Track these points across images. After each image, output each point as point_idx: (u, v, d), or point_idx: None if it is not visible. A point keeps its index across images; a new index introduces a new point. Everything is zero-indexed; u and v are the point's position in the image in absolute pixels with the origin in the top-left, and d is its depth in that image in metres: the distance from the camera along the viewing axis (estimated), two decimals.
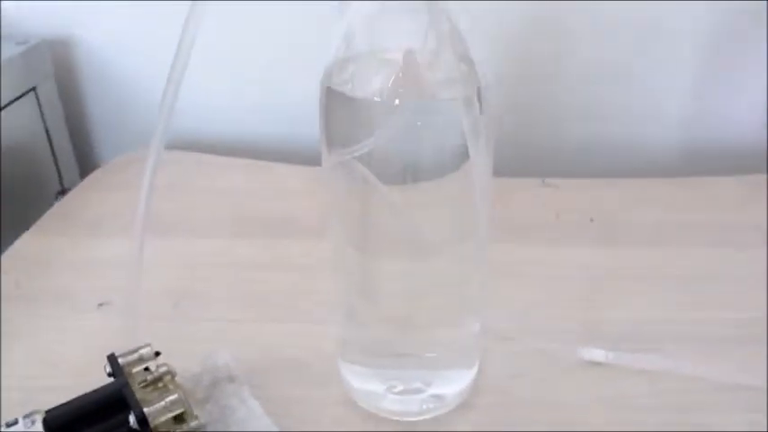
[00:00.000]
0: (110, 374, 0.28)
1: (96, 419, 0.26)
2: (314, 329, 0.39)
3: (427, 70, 0.29)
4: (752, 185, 0.51)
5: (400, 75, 0.28)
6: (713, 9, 0.53)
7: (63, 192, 0.58)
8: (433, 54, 0.29)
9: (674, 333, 0.38)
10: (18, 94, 0.55)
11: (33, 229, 0.49)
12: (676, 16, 0.54)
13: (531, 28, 0.55)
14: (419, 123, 0.29)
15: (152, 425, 0.26)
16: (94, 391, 0.27)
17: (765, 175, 0.51)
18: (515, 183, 0.53)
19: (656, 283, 0.42)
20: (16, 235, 0.48)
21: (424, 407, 0.34)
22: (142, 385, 0.28)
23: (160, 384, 0.29)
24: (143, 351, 0.29)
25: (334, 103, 0.29)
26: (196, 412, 0.29)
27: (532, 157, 0.59)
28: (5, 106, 0.53)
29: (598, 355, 0.37)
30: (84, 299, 0.42)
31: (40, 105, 0.58)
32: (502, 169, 0.52)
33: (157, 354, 0.30)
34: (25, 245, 0.47)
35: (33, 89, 0.57)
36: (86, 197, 0.54)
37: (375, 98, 0.28)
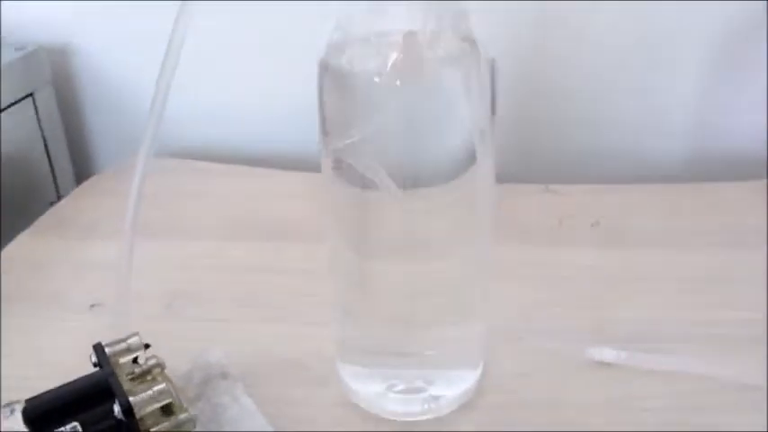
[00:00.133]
0: (95, 365, 0.27)
1: (79, 409, 0.25)
2: (311, 331, 0.38)
3: (428, 51, 0.28)
4: (753, 190, 0.50)
5: (401, 56, 0.28)
6: (715, 16, 0.53)
7: (59, 199, 0.57)
8: (434, 35, 0.28)
9: (683, 334, 0.37)
10: (15, 100, 0.54)
11: (28, 231, 0.49)
12: (679, 24, 0.53)
13: (534, 35, 0.54)
14: (420, 106, 0.28)
15: (138, 415, 0.25)
16: (78, 380, 0.26)
17: (766, 181, 0.51)
18: (518, 188, 0.52)
19: (662, 285, 0.41)
20: (10, 241, 0.47)
21: (426, 407, 0.32)
22: (130, 377, 0.27)
23: (149, 377, 0.28)
24: (131, 341, 0.28)
25: (332, 84, 0.29)
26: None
27: (535, 165, 0.58)
28: (1, 111, 0.52)
29: (608, 354, 0.35)
30: (76, 300, 0.41)
31: (37, 112, 0.57)
32: (505, 176, 0.52)
33: (147, 346, 0.29)
34: (19, 247, 0.47)
35: (31, 95, 0.56)
36: (81, 202, 0.53)
37: (375, 78, 0.28)
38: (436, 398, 0.33)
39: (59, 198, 0.57)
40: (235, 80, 0.58)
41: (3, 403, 0.25)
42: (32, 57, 0.56)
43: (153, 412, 0.26)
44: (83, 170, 0.62)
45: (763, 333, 0.36)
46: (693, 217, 0.49)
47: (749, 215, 0.47)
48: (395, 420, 0.32)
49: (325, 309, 0.34)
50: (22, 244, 0.47)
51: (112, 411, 0.24)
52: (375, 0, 0.28)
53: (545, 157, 0.58)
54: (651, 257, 0.44)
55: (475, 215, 0.32)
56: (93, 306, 0.40)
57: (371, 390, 0.33)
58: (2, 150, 0.51)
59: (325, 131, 0.30)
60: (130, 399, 0.24)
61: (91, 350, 0.28)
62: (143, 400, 0.25)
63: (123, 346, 0.27)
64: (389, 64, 0.27)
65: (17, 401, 0.25)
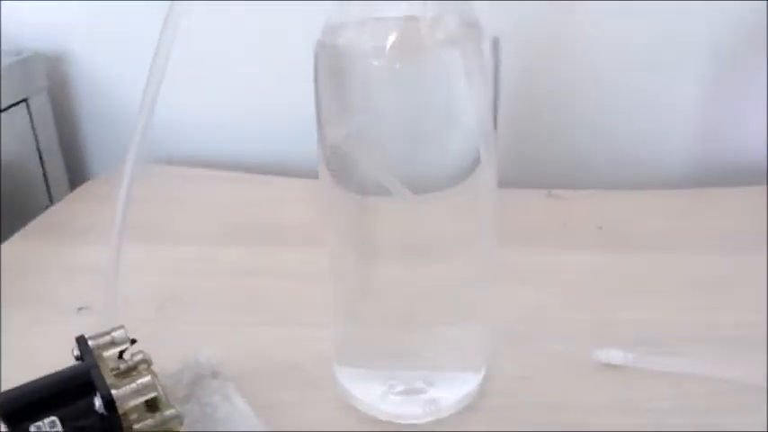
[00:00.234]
0: (77, 358, 0.25)
1: (59, 403, 0.23)
2: (306, 333, 0.37)
3: (429, 34, 0.27)
4: (755, 196, 0.50)
5: (400, 37, 0.27)
6: (718, 23, 0.52)
7: (52, 204, 0.56)
8: (435, 19, 0.27)
9: (689, 336, 0.36)
10: (9, 105, 0.54)
11: (18, 235, 0.48)
12: (682, 30, 0.53)
13: (536, 40, 0.54)
14: (420, 91, 0.27)
15: (121, 410, 0.23)
16: (58, 373, 0.24)
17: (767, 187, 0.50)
18: (520, 193, 0.51)
19: (667, 288, 0.41)
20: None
21: (426, 409, 0.31)
22: (114, 373, 0.26)
23: (134, 374, 0.26)
24: (116, 334, 0.26)
25: (329, 67, 0.28)
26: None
27: (536, 171, 0.57)
28: None
29: (616, 356, 0.34)
30: (65, 303, 0.40)
31: (31, 118, 0.57)
32: (506, 181, 0.51)
33: (133, 341, 0.27)
34: (8, 250, 0.46)
35: (25, 100, 0.56)
36: (74, 207, 0.53)
37: (373, 61, 0.27)
38: (436, 400, 0.31)
39: (52, 203, 0.56)
40: (232, 87, 0.58)
41: None
42: (28, 63, 0.56)
43: (137, 408, 0.24)
44: (77, 176, 0.61)
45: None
46: (696, 221, 0.48)
47: (751, 220, 0.47)
48: (394, 423, 0.31)
49: (321, 311, 0.33)
50: (11, 247, 0.46)
51: (93, 406, 0.23)
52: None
53: (546, 163, 0.57)
54: (655, 261, 0.43)
55: (477, 217, 0.31)
56: (80, 309, 0.39)
57: (370, 391, 0.32)
58: None
59: (321, 123, 0.29)
60: (113, 392, 0.23)
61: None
62: (126, 393, 0.23)
63: (107, 339, 0.26)
64: (388, 45, 0.26)
65: None
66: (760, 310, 0.37)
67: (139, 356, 0.27)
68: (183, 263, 0.45)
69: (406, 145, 0.28)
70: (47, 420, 0.23)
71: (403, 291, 0.30)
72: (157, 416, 0.24)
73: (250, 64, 0.56)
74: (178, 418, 0.25)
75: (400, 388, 0.31)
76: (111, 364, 0.26)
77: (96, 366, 0.24)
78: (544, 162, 0.57)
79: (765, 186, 0.50)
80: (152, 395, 0.24)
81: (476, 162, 0.29)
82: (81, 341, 0.26)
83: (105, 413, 0.23)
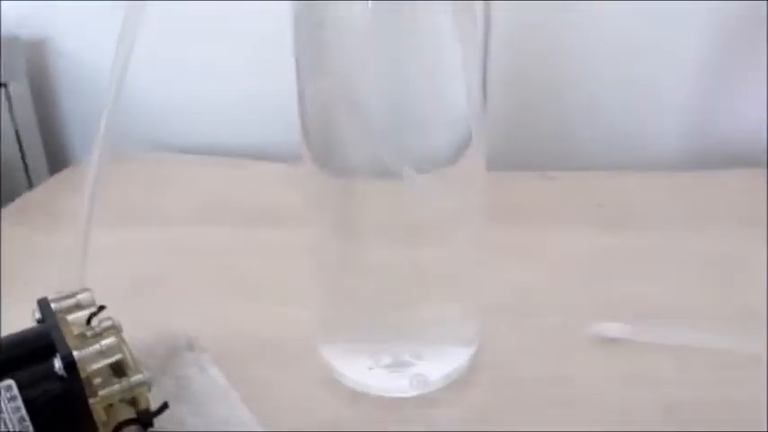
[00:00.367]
0: (39, 321, 0.24)
1: (15, 367, 0.21)
2: (287, 311, 0.35)
3: None
4: (753, 178, 0.49)
5: None
6: (716, 5, 0.51)
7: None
8: None
9: (690, 310, 0.35)
10: None
11: None
12: (680, 12, 0.52)
13: (531, 23, 0.53)
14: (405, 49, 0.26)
15: (84, 373, 0.21)
16: (15, 334, 0.22)
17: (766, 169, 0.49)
18: (514, 175, 0.50)
19: (669, 266, 0.39)
20: None
21: (414, 382, 0.29)
22: (79, 340, 0.24)
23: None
24: (81, 296, 0.24)
25: (309, 21, 0.26)
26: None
27: (531, 154, 0.56)
28: None
29: (613, 329, 0.33)
30: (36, 286, 0.38)
31: (10, 104, 0.55)
32: (500, 165, 0.49)
33: (101, 308, 0.26)
34: None
35: (4, 86, 0.54)
36: (52, 193, 0.51)
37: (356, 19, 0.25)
38: (424, 373, 0.29)
39: (31, 189, 0.54)
40: (213, 73, 0.57)
41: None
42: (7, 48, 0.54)
43: (101, 372, 0.22)
44: (57, 162, 0.59)
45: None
46: (695, 201, 0.47)
47: (750, 201, 0.46)
48: (380, 397, 0.29)
49: (303, 289, 0.31)
50: None
51: (53, 368, 0.21)
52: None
53: (541, 146, 0.56)
54: (654, 239, 0.42)
55: (466, 196, 0.29)
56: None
57: (355, 366, 0.30)
58: None
59: (302, 73, 0.28)
60: (74, 353, 0.21)
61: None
62: (88, 354, 0.22)
63: (72, 301, 0.24)
64: None
65: None
66: (760, 285, 0.36)
67: (108, 323, 0.25)
68: (163, 244, 0.43)
69: (393, 117, 0.27)
70: (2, 384, 0.21)
71: (390, 269, 0.29)
72: (124, 381, 0.23)
73: (231, 49, 0.55)
74: (146, 383, 0.23)
75: (387, 361, 0.30)
76: (77, 330, 0.24)
77: (57, 327, 0.22)
78: (539, 145, 0.56)
79: (765, 168, 0.49)
80: (117, 357, 0.22)
81: (467, 140, 0.28)
82: (43, 303, 0.24)
83: (66, 375, 0.21)
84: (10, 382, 0.21)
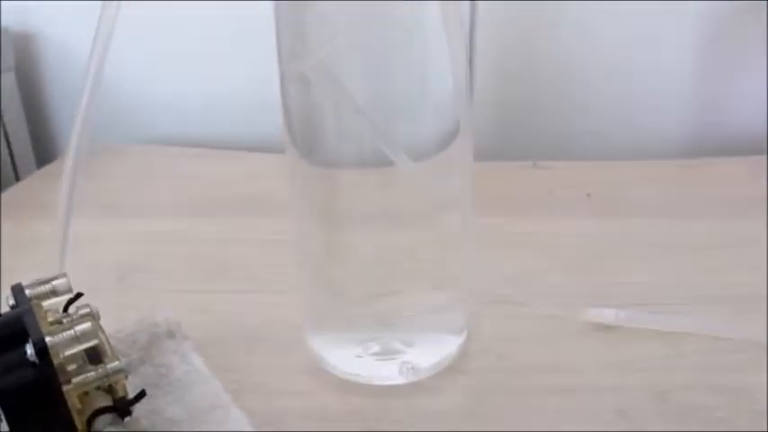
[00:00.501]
0: (12, 308, 0.23)
1: None
2: (274, 300, 0.35)
3: None
4: (752, 165, 0.48)
5: None
6: None
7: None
8: None
9: (683, 296, 0.34)
10: None
11: None
12: (678, 2, 0.51)
13: (526, 14, 0.52)
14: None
15: (57, 359, 0.21)
16: None
17: (765, 156, 0.49)
18: (504, 165, 0.50)
19: (660, 252, 0.39)
20: None
21: (403, 369, 0.28)
22: (54, 327, 0.23)
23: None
24: (57, 282, 0.24)
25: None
26: (129, 377, 0.24)
27: (525, 146, 0.55)
28: None
29: (607, 315, 0.32)
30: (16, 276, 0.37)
31: None
32: (491, 155, 0.49)
33: (78, 295, 0.25)
34: None
35: None
36: (38, 185, 0.50)
37: None
38: (414, 361, 0.29)
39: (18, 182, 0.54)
40: (201, 66, 0.56)
41: None
42: None
43: (76, 358, 0.22)
44: (45, 155, 0.59)
45: (764, 293, 0.33)
46: (691, 189, 0.46)
47: (748, 188, 0.45)
48: (369, 385, 0.29)
49: (290, 278, 0.31)
50: None
51: (25, 354, 0.21)
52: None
53: (535, 136, 0.56)
54: (648, 227, 0.41)
55: (455, 184, 0.29)
56: None
57: (343, 354, 0.30)
58: None
59: (283, 54, 0.27)
60: (47, 338, 0.21)
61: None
62: (62, 340, 0.21)
63: (47, 287, 0.23)
64: None
65: None
66: (758, 271, 0.35)
67: (85, 310, 0.24)
68: (150, 235, 0.42)
69: (379, 104, 0.26)
70: None
71: (377, 258, 0.28)
72: (100, 368, 0.22)
73: (217, 40, 0.54)
74: (123, 371, 0.22)
75: (376, 349, 0.29)
76: (52, 318, 0.23)
77: (30, 311, 0.21)
78: (532, 135, 0.55)
79: (765, 156, 0.49)
80: (92, 343, 0.21)
81: (454, 128, 0.27)
82: (16, 289, 0.23)
83: (38, 361, 0.20)
84: None
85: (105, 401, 0.22)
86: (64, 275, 0.24)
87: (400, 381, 0.28)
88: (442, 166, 0.27)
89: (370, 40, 0.25)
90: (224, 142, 0.56)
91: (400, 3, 0.25)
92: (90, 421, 0.21)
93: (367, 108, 0.26)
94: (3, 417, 0.20)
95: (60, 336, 0.21)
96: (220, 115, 0.57)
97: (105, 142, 0.54)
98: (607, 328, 0.32)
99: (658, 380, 0.29)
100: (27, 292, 0.23)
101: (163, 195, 0.48)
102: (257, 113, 0.52)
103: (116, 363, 0.22)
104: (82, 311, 0.24)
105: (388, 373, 0.29)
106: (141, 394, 0.22)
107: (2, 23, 0.54)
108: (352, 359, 0.29)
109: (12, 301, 0.23)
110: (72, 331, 0.21)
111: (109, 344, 0.23)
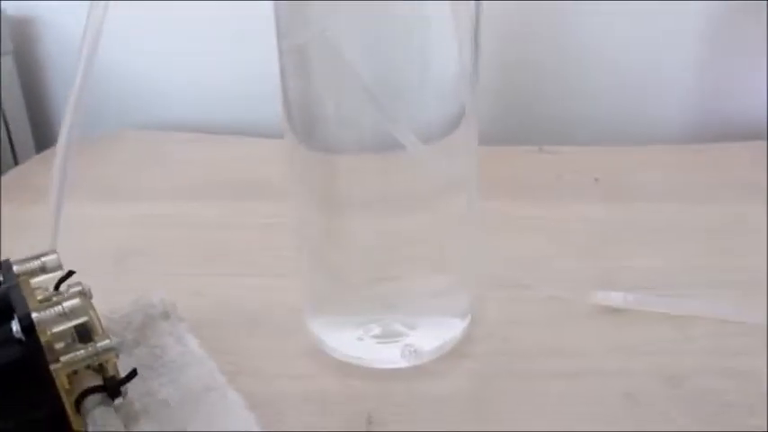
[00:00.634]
0: None
1: None
2: (276, 283, 0.34)
3: None
4: (754, 150, 0.47)
5: None
6: None
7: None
8: None
9: (692, 281, 0.33)
10: None
11: None
12: None
13: (531, 1, 0.51)
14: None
15: (44, 337, 0.20)
16: None
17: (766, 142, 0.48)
18: (510, 150, 0.49)
19: (669, 237, 0.38)
20: None
21: (405, 352, 0.28)
22: (46, 305, 0.22)
23: None
24: (46, 258, 0.23)
25: None
26: (123, 359, 0.23)
27: (531, 131, 0.54)
28: None
29: (615, 298, 0.31)
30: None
31: None
32: (497, 139, 0.48)
33: (70, 273, 0.24)
34: None
35: None
36: (36, 170, 0.50)
37: None
38: (417, 344, 0.28)
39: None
40: (202, 52, 0.55)
41: None
42: None
43: (64, 336, 0.21)
44: (44, 139, 0.58)
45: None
46: (697, 173, 0.45)
47: (753, 173, 0.44)
48: (371, 368, 0.28)
49: (288, 262, 0.30)
50: None
51: (11, 331, 0.20)
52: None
53: (540, 121, 0.55)
54: (654, 211, 0.41)
55: (458, 168, 0.28)
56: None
57: (344, 337, 0.29)
58: None
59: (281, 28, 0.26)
60: (34, 314, 0.20)
61: None
62: (49, 316, 0.20)
63: (37, 263, 0.23)
64: None
65: None
66: (765, 255, 0.34)
67: (77, 288, 0.23)
68: (150, 218, 0.42)
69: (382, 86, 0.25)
70: None
71: (379, 241, 0.28)
72: (90, 347, 0.21)
73: (218, 26, 0.54)
74: (114, 349, 0.21)
75: (377, 331, 0.28)
76: (41, 296, 0.23)
77: (17, 287, 0.21)
78: (537, 121, 0.55)
79: (765, 141, 0.48)
80: (81, 320, 0.21)
81: (459, 111, 0.26)
82: (4, 266, 0.22)
83: (24, 338, 0.20)
84: None
85: (95, 381, 0.21)
86: (54, 252, 0.23)
87: (402, 364, 0.28)
88: (447, 150, 0.26)
89: (374, 23, 0.24)
90: (223, 128, 0.55)
91: None
92: (79, 401, 0.21)
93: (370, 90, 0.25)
94: None
95: (48, 312, 0.20)
96: (219, 101, 0.57)
97: (104, 127, 0.54)
98: (614, 311, 0.31)
99: (666, 363, 0.28)
100: (15, 268, 0.22)
101: (162, 180, 0.47)
102: (257, 100, 0.51)
103: (106, 341, 0.21)
104: (74, 290, 0.24)
105: (389, 357, 0.28)
106: (132, 374, 0.22)
107: (1, 7, 0.54)
108: (352, 342, 0.28)
109: None
110: (60, 307, 0.20)
111: (99, 321, 0.22)
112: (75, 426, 0.21)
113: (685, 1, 0.50)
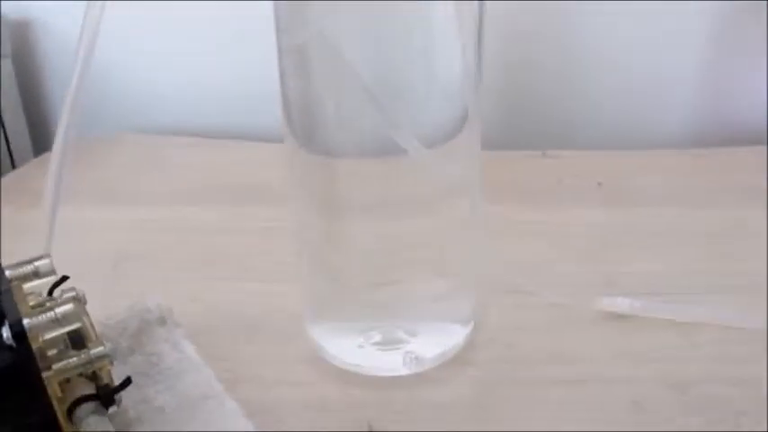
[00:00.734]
0: None
1: None
2: (273, 288, 0.33)
3: None
4: (755, 155, 0.47)
5: None
6: None
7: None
8: None
9: (697, 286, 0.33)
10: None
11: None
12: None
13: (534, 4, 0.51)
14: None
15: (35, 343, 0.19)
16: None
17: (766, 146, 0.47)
18: (513, 154, 0.48)
19: (670, 240, 0.37)
20: None
21: (407, 359, 0.27)
22: (39, 311, 0.22)
23: None
24: (40, 263, 0.22)
25: None
26: (118, 366, 0.23)
27: (533, 136, 0.54)
28: None
29: (621, 304, 0.30)
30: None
31: None
32: (500, 144, 0.47)
33: (64, 278, 0.23)
34: None
35: None
36: (35, 174, 0.49)
37: None
38: (418, 351, 0.27)
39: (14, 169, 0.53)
40: (200, 55, 0.55)
41: None
42: None
43: (57, 342, 0.20)
44: (42, 143, 0.58)
45: None
46: (700, 178, 0.45)
47: (756, 177, 0.43)
48: (371, 376, 0.27)
49: (288, 267, 0.29)
50: None
51: (1, 337, 0.19)
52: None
53: (542, 125, 0.54)
54: (657, 215, 0.40)
55: (461, 172, 0.27)
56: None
57: (344, 344, 0.28)
58: None
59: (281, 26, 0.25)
60: (25, 320, 0.19)
61: None
62: (41, 322, 0.20)
63: (29, 268, 0.22)
64: None
65: None
66: (764, 259, 0.34)
67: (71, 293, 0.23)
68: (148, 223, 0.41)
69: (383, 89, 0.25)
70: None
71: (380, 246, 0.27)
72: (83, 353, 0.21)
73: (218, 29, 0.53)
74: (108, 356, 0.21)
75: (378, 338, 0.28)
76: (34, 301, 0.22)
77: (8, 292, 0.20)
78: (540, 125, 0.54)
79: (766, 145, 0.47)
80: (74, 326, 0.20)
81: (462, 115, 0.26)
82: None
83: (15, 345, 0.19)
84: None
85: (88, 389, 0.21)
86: (47, 256, 0.23)
87: (404, 372, 0.27)
88: (450, 154, 0.26)
89: (375, 22, 0.24)
90: (222, 132, 0.55)
91: None
92: (71, 410, 0.20)
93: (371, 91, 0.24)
94: None
95: (40, 318, 0.20)
96: (218, 106, 0.56)
97: (101, 131, 0.53)
98: (619, 317, 0.30)
99: (673, 371, 0.27)
100: (7, 273, 0.22)
101: (160, 184, 0.47)
102: (256, 103, 0.51)
103: (100, 348, 0.21)
104: (67, 295, 0.23)
105: (390, 364, 0.27)
106: (126, 382, 0.21)
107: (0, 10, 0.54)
108: (353, 349, 0.28)
109: None
110: (53, 313, 0.20)
111: (93, 328, 0.21)
112: None
113: (688, 6, 0.50)
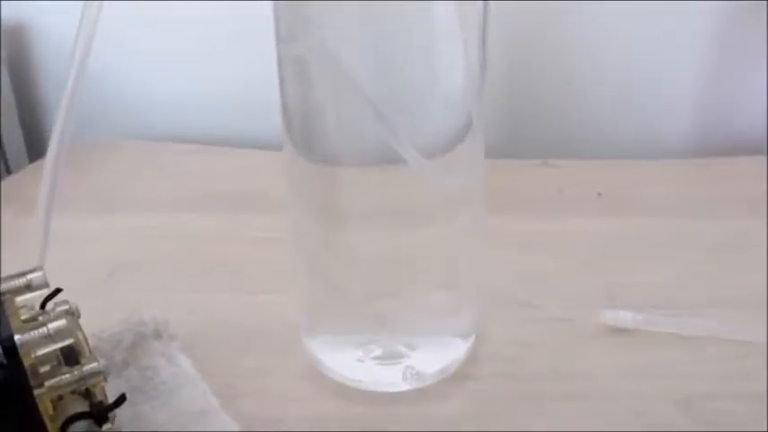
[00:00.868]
0: None
1: None
2: (273, 299, 0.33)
3: None
4: (755, 165, 0.46)
5: None
6: None
7: None
8: None
9: (699, 299, 0.32)
10: None
11: None
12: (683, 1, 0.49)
13: (535, 12, 0.50)
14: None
15: (27, 360, 0.19)
16: None
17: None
18: (514, 163, 0.48)
19: (673, 251, 0.37)
20: None
21: (407, 374, 0.27)
22: (29, 324, 0.21)
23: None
24: (32, 276, 0.22)
25: None
26: (112, 381, 0.22)
27: (534, 145, 0.53)
28: None
29: (624, 318, 0.30)
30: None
31: None
32: (500, 153, 0.47)
33: (57, 290, 0.23)
34: None
35: None
36: (30, 180, 0.48)
37: None
38: (419, 366, 0.27)
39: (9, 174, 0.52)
40: (200, 63, 0.54)
41: None
42: None
43: (50, 358, 0.20)
44: (37, 148, 0.57)
45: None
46: (702, 188, 0.45)
47: (753, 188, 0.43)
48: (371, 391, 0.27)
49: (286, 277, 0.29)
50: None
51: None
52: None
53: (543, 135, 0.54)
54: (659, 226, 0.40)
55: (464, 181, 0.27)
56: None
57: (343, 358, 0.28)
58: None
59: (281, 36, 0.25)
60: (17, 336, 0.19)
61: None
62: (33, 338, 0.19)
63: (22, 281, 0.22)
64: None
65: None
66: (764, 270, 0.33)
67: (64, 307, 0.22)
68: (145, 231, 0.40)
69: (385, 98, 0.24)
70: None
71: (379, 257, 0.27)
72: (76, 370, 0.20)
73: (216, 37, 0.53)
74: (101, 373, 0.20)
75: (377, 352, 0.27)
76: (26, 315, 0.22)
77: (0, 305, 0.20)
78: (540, 134, 0.54)
79: (766, 156, 0.47)
80: (67, 342, 0.19)
81: (465, 125, 0.25)
82: None
83: (6, 362, 0.18)
84: None
85: (81, 407, 0.20)
86: (40, 269, 0.22)
87: (404, 387, 0.27)
88: (452, 164, 0.26)
89: (377, 31, 0.24)
90: (220, 139, 0.54)
91: None
92: (63, 428, 0.20)
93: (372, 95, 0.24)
94: None
95: (32, 333, 0.19)
96: (217, 113, 0.56)
97: (98, 137, 0.53)
98: (622, 331, 0.30)
99: (678, 386, 0.27)
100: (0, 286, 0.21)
101: (157, 191, 0.46)
102: (255, 110, 0.51)
103: (94, 364, 0.20)
104: (60, 309, 0.22)
105: (390, 379, 0.27)
106: (121, 399, 0.21)
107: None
108: (352, 363, 0.27)
109: None
110: (45, 329, 0.19)
111: (87, 343, 0.21)
112: None
113: (692, 15, 0.50)
